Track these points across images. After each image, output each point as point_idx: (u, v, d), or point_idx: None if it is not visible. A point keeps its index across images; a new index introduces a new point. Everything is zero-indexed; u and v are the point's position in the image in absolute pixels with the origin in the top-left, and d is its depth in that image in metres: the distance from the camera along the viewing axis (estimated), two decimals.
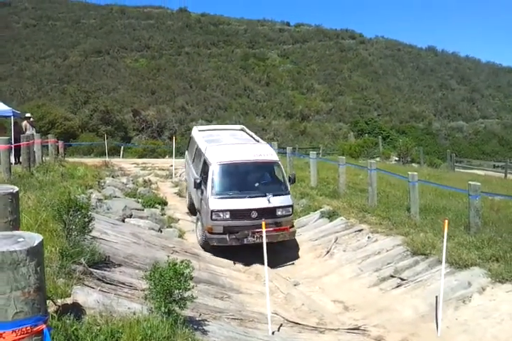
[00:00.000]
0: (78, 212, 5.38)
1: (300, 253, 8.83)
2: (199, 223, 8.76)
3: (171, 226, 9.70)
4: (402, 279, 6.73)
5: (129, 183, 13.77)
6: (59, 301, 3.92)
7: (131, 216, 9.35)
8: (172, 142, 19.17)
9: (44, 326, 1.96)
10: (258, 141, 10.54)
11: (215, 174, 8.37)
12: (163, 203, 11.56)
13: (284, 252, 8.67)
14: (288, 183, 8.74)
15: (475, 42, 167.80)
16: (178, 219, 10.46)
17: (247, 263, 7.89)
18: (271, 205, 8.14)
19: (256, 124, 50.79)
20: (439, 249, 6.35)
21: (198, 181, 8.58)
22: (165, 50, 62.70)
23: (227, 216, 8.01)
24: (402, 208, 9.34)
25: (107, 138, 24.14)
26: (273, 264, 7.52)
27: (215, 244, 8.03)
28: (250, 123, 50.60)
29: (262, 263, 6.00)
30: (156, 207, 10.98)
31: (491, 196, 9.38)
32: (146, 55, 60.97)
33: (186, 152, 12.22)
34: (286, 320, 5.74)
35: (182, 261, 4.36)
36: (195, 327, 4.39)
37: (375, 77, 65.65)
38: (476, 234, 7.12)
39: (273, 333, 5.04)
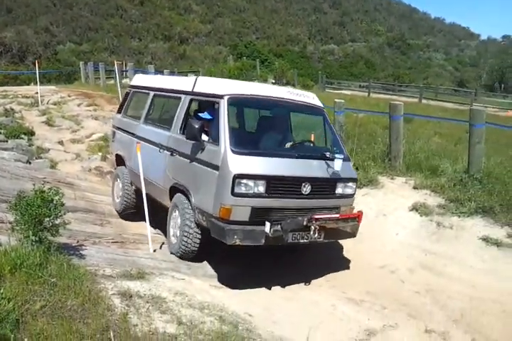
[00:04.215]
0: None
1: None
2: (174, 214, 5.10)
3: (40, 157, 9.09)
4: None
5: None
6: None
7: None
8: (36, 67, 17.34)
9: None
10: None
11: (231, 114, 4.79)
12: (30, 133, 10.62)
13: None
14: (343, 144, 5.45)
15: None
16: (49, 149, 9.78)
17: None
18: (331, 175, 4.79)
19: (132, 47, 47.62)
20: None
21: (198, 126, 4.60)
22: None
23: (262, 188, 4.37)
24: None
25: None
26: None
27: (236, 242, 4.33)
28: (125, 46, 47.35)
29: None
30: (21, 138, 10.06)
31: (354, 112, 10.16)
32: None
33: (117, 116, 7.20)
34: None
35: (50, 188, 4.15)
36: (72, 252, 4.34)
37: None
38: None
39: (154, 251, 5.18)
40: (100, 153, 9.69)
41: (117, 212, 6.63)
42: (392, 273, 5.05)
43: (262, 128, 5.51)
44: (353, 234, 4.93)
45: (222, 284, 4.71)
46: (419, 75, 51.20)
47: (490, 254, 4.84)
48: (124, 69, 20.41)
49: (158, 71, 19.81)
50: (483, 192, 5.77)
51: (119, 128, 7.04)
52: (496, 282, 4.49)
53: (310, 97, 5.45)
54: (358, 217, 4.77)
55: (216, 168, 4.44)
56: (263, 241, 4.38)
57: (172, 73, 20.23)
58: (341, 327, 4.07)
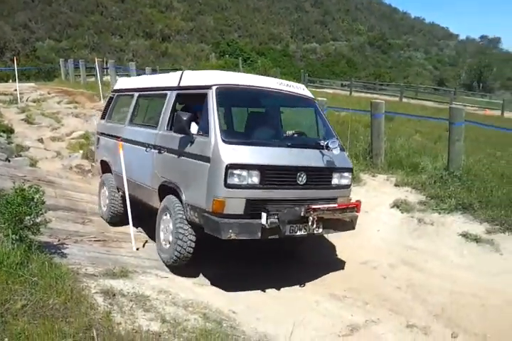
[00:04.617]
0: None
1: None
2: (164, 217, 4.81)
3: (20, 155, 8.96)
4: None
5: None
6: None
7: None
8: (14, 64, 17.04)
9: None
10: None
11: (220, 104, 4.55)
12: (9, 131, 10.46)
13: None
14: (336, 134, 5.13)
15: None
16: (29, 147, 9.63)
17: None
18: (326, 164, 4.64)
19: (112, 44, 47.14)
20: None
21: (186, 118, 4.44)
22: None
23: (256, 179, 4.20)
24: None
25: None
26: None
27: (232, 236, 4.12)
28: (106, 43, 46.84)
29: None
30: (0, 136, 9.91)
31: (337, 110, 10.24)
32: None
33: (101, 122, 6.96)
34: (151, 237, 5.88)
35: (30, 186, 4.09)
36: (53, 251, 4.29)
37: None
38: None
39: (137, 249, 5.14)
40: (81, 151, 9.57)
41: (105, 220, 6.27)
42: (374, 268, 5.10)
43: (253, 118, 5.39)
44: (352, 225, 4.74)
45: (206, 282, 4.70)
46: (399, 74, 51.89)
47: (469, 250, 4.94)
48: (104, 66, 20.17)
49: (140, 69, 19.63)
50: (463, 189, 5.88)
51: (103, 134, 6.74)
52: (475, 277, 4.58)
53: (300, 88, 5.30)
54: (356, 207, 4.62)
55: (207, 159, 4.25)
56: (259, 234, 4.18)
57: (154, 71, 20.05)
58: (324, 323, 4.10)
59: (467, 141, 7.31)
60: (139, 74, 17.81)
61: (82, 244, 5.00)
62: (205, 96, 4.56)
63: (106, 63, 20.91)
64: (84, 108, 13.68)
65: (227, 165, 4.10)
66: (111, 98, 6.93)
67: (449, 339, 3.89)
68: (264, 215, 4.13)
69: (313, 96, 5.39)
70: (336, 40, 63.59)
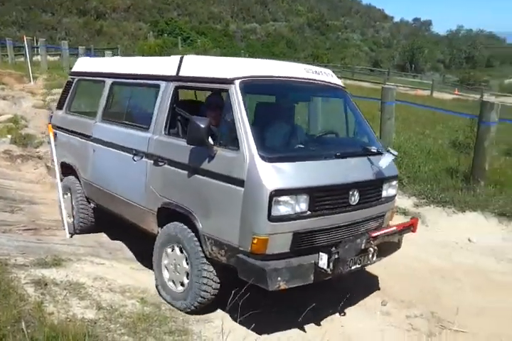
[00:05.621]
0: None
1: None
2: (169, 251, 3.79)
3: None
4: None
5: None
6: None
7: None
8: None
9: None
10: None
11: (245, 105, 3.33)
12: None
13: None
14: (373, 131, 4.34)
15: None
16: None
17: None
18: (377, 175, 3.74)
19: (43, 22, 44.64)
20: None
21: (204, 126, 3.20)
22: None
23: (304, 205, 3.21)
24: None
25: None
26: None
27: (280, 285, 3.12)
28: (36, 20, 44.15)
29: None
30: None
31: None
32: None
33: (59, 113, 5.65)
34: None
35: None
36: None
37: None
38: None
39: (71, 236, 5.00)
40: (9, 136, 9.07)
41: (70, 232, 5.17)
42: None
43: (284, 118, 4.11)
44: (399, 246, 4.03)
45: (144, 266, 4.65)
46: (337, 55, 52.93)
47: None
48: (34, 45, 19.09)
49: (73, 48, 18.78)
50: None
51: (62, 129, 5.45)
52: (404, 248, 4.83)
53: (329, 75, 4.27)
54: (412, 225, 3.81)
55: (239, 183, 3.16)
56: (312, 277, 3.25)
57: (88, 50, 19.23)
58: (260, 298, 4.19)
59: (398, 120, 7.64)
60: (72, 54, 17.08)
61: (11, 233, 4.82)
62: (223, 93, 3.61)
63: (36, 42, 19.79)
64: (12, 90, 12.96)
65: (271, 193, 3.04)
66: (69, 83, 5.67)
67: (379, 307, 4.11)
68: (324, 257, 3.14)
69: (342, 84, 4.51)
70: (276, 21, 63.53)
